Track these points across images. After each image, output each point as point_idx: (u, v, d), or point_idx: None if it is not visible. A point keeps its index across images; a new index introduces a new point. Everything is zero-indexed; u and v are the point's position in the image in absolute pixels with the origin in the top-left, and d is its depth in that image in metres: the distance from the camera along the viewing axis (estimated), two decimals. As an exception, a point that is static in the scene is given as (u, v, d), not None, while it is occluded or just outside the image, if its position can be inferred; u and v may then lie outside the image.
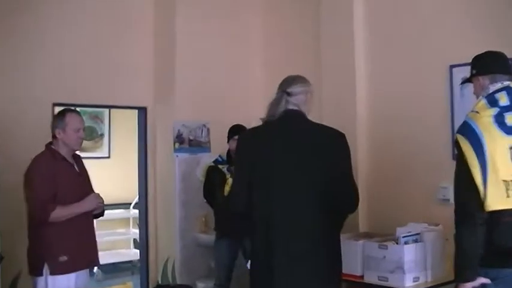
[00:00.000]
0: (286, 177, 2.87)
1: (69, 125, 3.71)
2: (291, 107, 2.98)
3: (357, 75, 4.71)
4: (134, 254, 7.76)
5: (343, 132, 2.98)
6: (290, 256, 2.83)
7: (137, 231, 6.60)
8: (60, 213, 3.54)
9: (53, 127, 3.74)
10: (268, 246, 2.84)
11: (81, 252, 3.67)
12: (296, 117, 2.98)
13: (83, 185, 3.81)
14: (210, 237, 5.12)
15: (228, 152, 4.92)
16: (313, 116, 3.09)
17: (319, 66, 4.97)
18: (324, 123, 3.15)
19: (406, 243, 3.56)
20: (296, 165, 2.87)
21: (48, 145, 3.77)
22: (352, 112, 4.68)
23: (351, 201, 2.96)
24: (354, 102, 4.69)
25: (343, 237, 3.17)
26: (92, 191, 3.84)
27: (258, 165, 2.89)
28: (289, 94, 2.99)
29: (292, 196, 2.85)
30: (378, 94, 4.68)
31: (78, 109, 4.09)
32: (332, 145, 2.92)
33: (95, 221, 3.90)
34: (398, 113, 4.49)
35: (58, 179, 3.60)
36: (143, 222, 5.72)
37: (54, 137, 3.75)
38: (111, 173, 8.08)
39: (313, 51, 5.18)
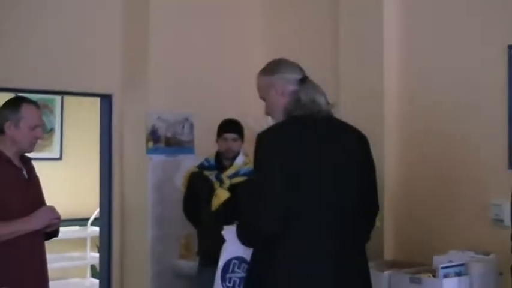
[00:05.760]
0: (330, 185, 3.02)
1: (24, 120, 3.72)
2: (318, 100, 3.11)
3: (386, 54, 4.70)
4: (91, 284, 7.78)
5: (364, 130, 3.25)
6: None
7: (97, 255, 6.59)
8: (-2, 231, 3.54)
9: (1, 119, 3.73)
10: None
11: (27, 285, 3.65)
12: (327, 115, 3.14)
13: (32, 196, 3.79)
14: (191, 265, 5.14)
15: (217, 154, 4.93)
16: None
17: (335, 43, 5.00)
18: (341, 115, 3.33)
19: (446, 276, 3.57)
20: (338, 171, 3.04)
21: (-12, 142, 3.77)
22: (378, 102, 4.67)
23: (374, 214, 3.28)
24: (381, 89, 4.66)
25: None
26: (43, 204, 3.83)
27: (300, 172, 2.97)
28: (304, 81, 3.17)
29: (339, 205, 3.04)
30: (414, 80, 4.65)
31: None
32: (362, 150, 3.18)
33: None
34: (439, 107, 4.47)
35: (-1, 187, 3.60)
36: (105, 243, 5.72)
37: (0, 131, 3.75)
38: (63, 180, 8.11)
39: (329, 21, 5.20)
